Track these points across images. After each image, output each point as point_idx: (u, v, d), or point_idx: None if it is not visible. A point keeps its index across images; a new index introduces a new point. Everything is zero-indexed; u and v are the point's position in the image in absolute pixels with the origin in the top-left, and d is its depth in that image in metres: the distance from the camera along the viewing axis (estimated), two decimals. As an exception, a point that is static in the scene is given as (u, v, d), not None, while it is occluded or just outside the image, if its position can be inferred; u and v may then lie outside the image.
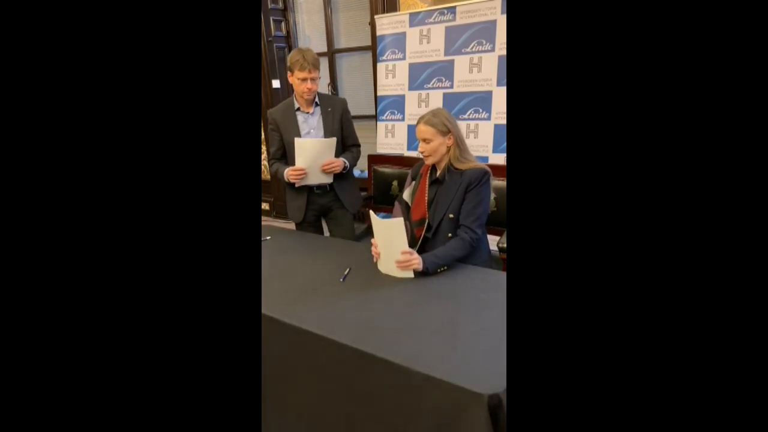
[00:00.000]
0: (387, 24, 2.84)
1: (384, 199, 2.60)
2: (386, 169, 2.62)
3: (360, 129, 2.20)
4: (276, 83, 3.80)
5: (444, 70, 2.65)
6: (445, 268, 1.50)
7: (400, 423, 1.02)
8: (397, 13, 2.88)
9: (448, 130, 1.56)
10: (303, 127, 1.98)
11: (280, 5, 3.72)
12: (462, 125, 2.57)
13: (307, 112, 1.98)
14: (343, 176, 2.02)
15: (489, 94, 2.51)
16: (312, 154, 1.89)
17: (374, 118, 3.15)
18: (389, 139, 2.96)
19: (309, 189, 2.02)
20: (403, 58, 2.81)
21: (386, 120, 2.96)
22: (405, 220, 1.69)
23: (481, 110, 2.55)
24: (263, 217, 3.97)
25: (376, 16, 2.92)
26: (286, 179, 1.95)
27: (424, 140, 1.57)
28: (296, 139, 1.88)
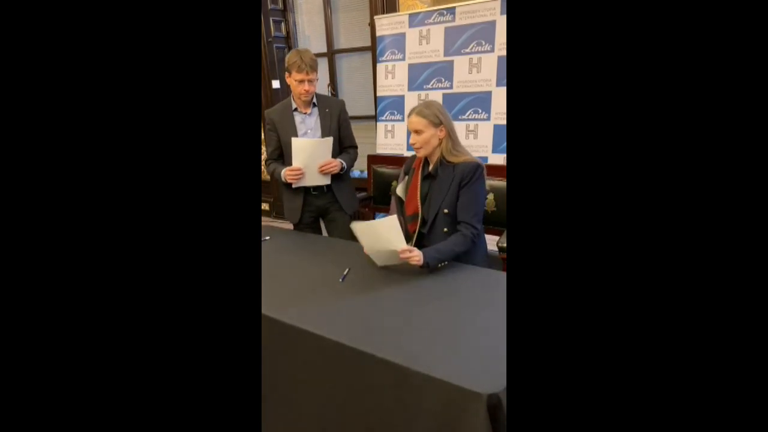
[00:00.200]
0: (387, 25, 2.84)
1: (383, 199, 2.60)
2: (386, 170, 2.62)
3: (360, 129, 2.21)
4: (276, 84, 3.80)
5: (443, 71, 2.66)
6: (446, 263, 1.50)
7: (400, 423, 1.02)
8: (397, 13, 2.88)
9: (440, 121, 1.54)
10: (300, 128, 1.98)
11: (280, 6, 3.73)
12: (461, 125, 2.57)
13: (305, 113, 1.98)
14: (340, 177, 2.02)
15: (488, 94, 2.51)
16: (309, 153, 1.89)
17: (374, 118, 3.15)
18: (389, 139, 2.96)
19: (306, 190, 2.02)
20: (403, 59, 2.81)
21: (386, 120, 2.96)
22: (399, 215, 1.69)
23: (480, 110, 2.55)
24: (263, 218, 3.97)
25: (375, 17, 2.93)
26: (283, 179, 1.94)
27: (416, 131, 1.56)
28: (293, 139, 1.88)
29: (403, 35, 2.78)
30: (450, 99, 2.63)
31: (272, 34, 3.72)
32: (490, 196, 2.07)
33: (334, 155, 1.98)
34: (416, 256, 1.42)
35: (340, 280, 1.45)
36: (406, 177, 1.72)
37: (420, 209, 1.62)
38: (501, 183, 2.09)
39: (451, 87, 2.64)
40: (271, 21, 3.69)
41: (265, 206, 4.13)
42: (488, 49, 2.47)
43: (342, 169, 1.99)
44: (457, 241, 1.51)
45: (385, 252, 1.46)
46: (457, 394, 0.92)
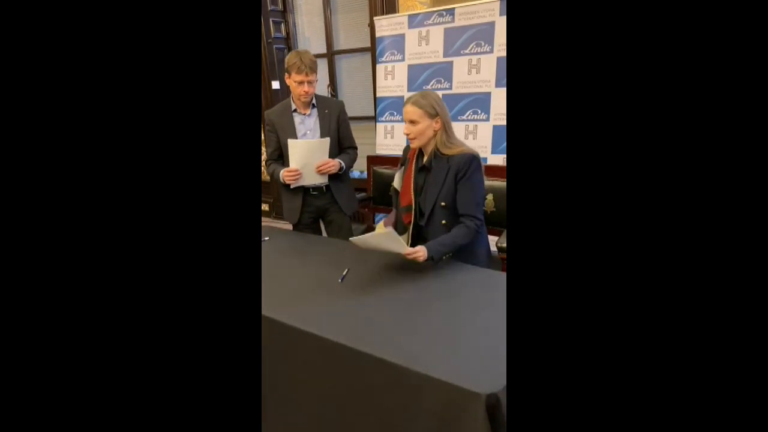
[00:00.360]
0: (386, 25, 2.84)
1: (383, 199, 2.60)
2: (385, 170, 2.62)
3: (359, 130, 2.21)
4: (275, 84, 3.80)
5: (443, 72, 2.66)
6: (450, 255, 1.51)
7: (399, 423, 1.02)
8: (396, 14, 2.89)
9: (436, 113, 1.52)
10: (300, 129, 1.99)
11: (280, 7, 3.73)
12: (461, 126, 2.57)
13: (304, 114, 1.99)
14: (339, 178, 2.03)
15: (488, 95, 2.52)
16: (305, 154, 1.89)
17: (373, 119, 3.15)
18: (388, 140, 2.96)
19: (305, 190, 2.02)
20: (402, 60, 2.81)
21: (385, 121, 2.96)
22: (394, 207, 1.69)
23: (479, 111, 2.56)
24: (262, 218, 3.97)
25: (375, 18, 2.93)
26: (281, 180, 1.95)
27: (411, 122, 1.54)
28: (289, 141, 1.89)
29: (402, 36, 2.78)
30: (449, 100, 2.64)
31: (272, 35, 3.73)
32: (490, 197, 2.08)
33: (334, 156, 1.99)
34: (420, 253, 1.43)
35: (340, 280, 1.46)
36: (402, 168, 1.71)
37: (413, 201, 1.61)
38: (501, 183, 2.09)
39: (450, 88, 2.64)
40: (270, 22, 3.70)
41: (264, 207, 4.13)
42: (487, 50, 2.48)
43: (341, 169, 1.99)
44: (461, 233, 1.51)
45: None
46: (456, 393, 0.92)
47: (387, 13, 2.97)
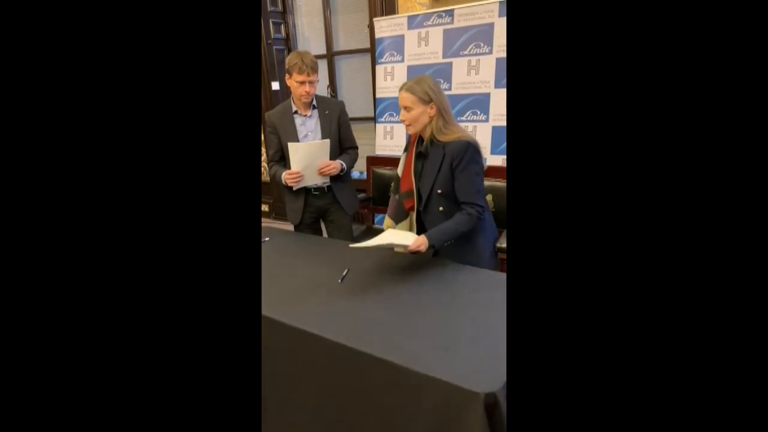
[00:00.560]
0: (386, 26, 2.85)
1: (383, 200, 2.61)
2: (385, 171, 2.63)
3: (359, 131, 2.22)
4: (275, 85, 3.81)
5: (442, 73, 2.67)
6: (452, 241, 1.51)
7: (398, 422, 1.03)
8: (396, 15, 2.89)
9: (429, 99, 1.50)
10: (301, 130, 1.99)
11: (280, 8, 3.74)
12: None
13: (305, 115, 1.99)
14: (340, 178, 2.03)
15: (487, 96, 2.52)
16: (306, 156, 1.90)
17: (373, 119, 3.16)
18: (388, 140, 2.97)
19: (306, 191, 2.02)
20: (402, 61, 2.82)
21: (385, 122, 2.97)
22: (391, 193, 1.70)
23: (479, 112, 2.56)
24: (262, 219, 3.98)
25: (374, 19, 2.94)
26: (283, 182, 1.96)
27: (405, 108, 1.53)
28: (289, 144, 1.89)
29: (402, 37, 2.79)
30: (449, 100, 2.64)
31: (272, 36, 3.73)
32: (489, 197, 2.08)
33: (335, 156, 1.99)
34: (421, 245, 1.44)
35: (339, 280, 1.46)
36: (405, 153, 1.71)
37: (414, 186, 1.61)
38: (501, 184, 2.10)
39: (449, 88, 2.65)
40: (270, 23, 3.70)
41: (264, 207, 4.13)
42: (487, 51, 2.49)
43: (342, 170, 1.99)
44: (462, 221, 1.50)
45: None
46: (454, 393, 0.92)
47: (386, 14, 2.98)
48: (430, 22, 2.66)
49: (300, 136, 1.98)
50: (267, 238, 1.93)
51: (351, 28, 3.52)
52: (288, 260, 1.69)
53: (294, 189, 1.98)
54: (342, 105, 2.07)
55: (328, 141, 1.92)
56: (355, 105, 3.55)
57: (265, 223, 2.93)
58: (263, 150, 3.78)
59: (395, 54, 2.84)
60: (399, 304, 1.29)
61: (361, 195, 2.60)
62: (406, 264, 1.56)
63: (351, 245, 1.55)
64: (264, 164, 3.79)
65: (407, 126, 1.56)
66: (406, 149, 1.72)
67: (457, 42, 2.58)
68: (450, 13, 2.58)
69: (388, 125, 2.96)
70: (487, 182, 2.02)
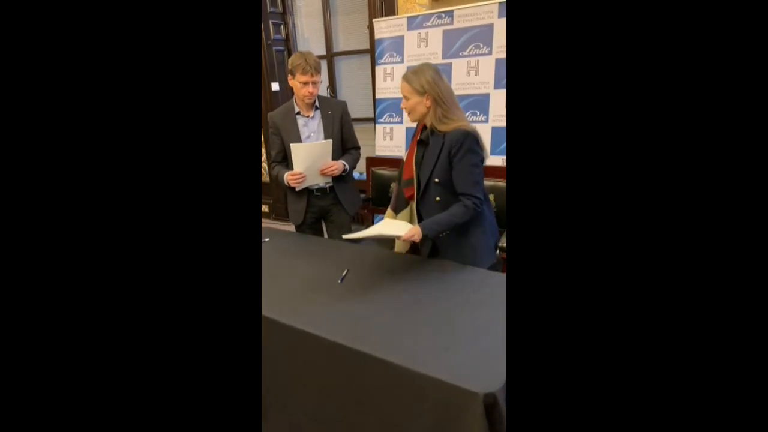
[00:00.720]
0: (385, 27, 2.85)
1: (382, 201, 2.61)
2: (384, 172, 2.63)
3: (358, 131, 2.22)
4: (275, 86, 3.81)
5: (442, 73, 2.67)
6: (447, 232, 1.50)
7: (398, 422, 1.03)
8: (396, 16, 2.89)
9: (424, 90, 1.50)
10: (303, 131, 1.99)
11: (280, 9, 3.74)
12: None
13: (307, 116, 1.99)
14: (343, 178, 2.03)
15: (486, 96, 2.53)
16: (308, 157, 1.90)
17: (373, 120, 3.16)
18: (387, 141, 2.97)
19: (309, 191, 2.02)
20: (402, 61, 2.82)
21: (385, 122, 2.97)
22: (397, 183, 1.70)
23: (478, 113, 2.56)
24: (262, 219, 3.98)
25: (374, 20, 2.94)
26: (286, 183, 1.95)
27: (404, 97, 1.54)
28: (292, 145, 1.89)
29: (401, 38, 2.79)
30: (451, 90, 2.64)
31: (272, 37, 3.73)
32: (491, 197, 2.08)
33: (337, 157, 1.99)
34: (414, 234, 1.44)
35: (339, 281, 1.46)
36: (412, 141, 1.71)
37: (415, 174, 1.61)
38: (502, 184, 2.10)
39: (449, 89, 2.65)
40: (270, 24, 3.70)
41: (264, 208, 4.14)
42: (486, 51, 2.49)
43: (345, 170, 1.99)
44: (457, 212, 1.49)
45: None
46: (454, 393, 0.93)
47: (386, 15, 2.98)
48: (429, 23, 2.67)
49: (302, 136, 1.98)
50: (267, 239, 1.93)
51: (350, 29, 3.52)
52: (288, 261, 1.70)
53: (297, 190, 1.98)
54: (344, 105, 2.07)
55: (330, 141, 1.92)
56: (355, 106, 3.55)
57: (265, 223, 2.94)
58: (263, 151, 3.79)
59: (395, 55, 2.84)
60: (398, 304, 1.29)
61: (361, 196, 2.60)
62: (406, 264, 1.57)
63: (344, 236, 1.58)
64: (264, 165, 3.80)
65: (408, 114, 1.57)
66: (413, 136, 1.72)
67: (456, 43, 2.58)
68: (449, 13, 2.58)
69: (388, 126, 2.96)
70: (488, 182, 2.02)
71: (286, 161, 2.04)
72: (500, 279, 1.41)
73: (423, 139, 1.58)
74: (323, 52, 3.63)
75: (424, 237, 1.46)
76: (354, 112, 3.20)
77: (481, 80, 2.53)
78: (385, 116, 2.96)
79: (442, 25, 2.62)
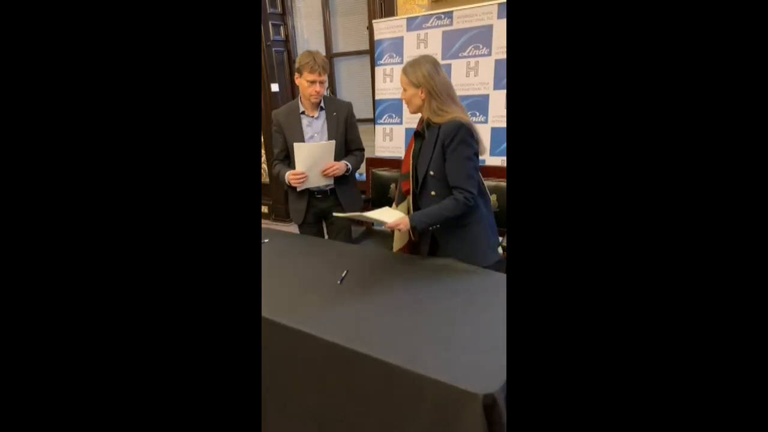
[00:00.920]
0: (385, 28, 2.85)
1: (382, 201, 2.61)
2: (384, 173, 2.64)
3: (358, 132, 2.22)
4: (275, 87, 3.81)
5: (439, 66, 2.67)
6: (437, 226, 1.51)
7: (397, 423, 1.03)
8: (395, 17, 2.90)
9: (419, 83, 1.51)
10: (307, 131, 1.98)
11: (279, 10, 3.74)
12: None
13: (312, 116, 1.98)
14: (344, 180, 2.02)
15: (486, 97, 2.53)
16: (310, 157, 1.89)
17: (372, 121, 3.16)
18: (387, 142, 2.97)
19: (310, 193, 2.02)
20: (401, 62, 2.82)
21: (384, 123, 2.97)
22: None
23: (478, 113, 2.57)
24: (262, 220, 3.98)
25: (374, 21, 2.94)
26: (287, 182, 1.95)
27: (403, 88, 1.56)
28: (295, 144, 1.88)
29: (401, 39, 2.80)
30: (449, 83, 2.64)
31: (271, 38, 3.74)
32: (494, 197, 2.08)
33: (340, 158, 1.98)
34: (402, 225, 1.46)
35: (338, 282, 1.46)
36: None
37: (412, 168, 1.61)
38: (505, 184, 2.10)
39: (449, 90, 2.65)
40: (270, 25, 3.71)
41: (264, 209, 4.14)
42: (485, 52, 2.49)
43: (347, 170, 1.98)
44: (447, 206, 1.48)
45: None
46: (453, 394, 0.93)
47: (385, 16, 2.99)
48: (429, 24, 2.67)
49: (306, 136, 1.97)
50: (266, 240, 1.93)
51: (350, 30, 3.53)
52: (287, 261, 1.70)
53: (298, 190, 1.97)
54: (350, 106, 2.06)
55: (333, 143, 1.91)
56: (355, 106, 3.53)
57: (265, 224, 2.94)
58: (263, 151, 3.79)
59: (394, 56, 2.84)
60: (398, 305, 1.29)
61: (361, 197, 2.60)
62: (405, 265, 1.57)
63: (335, 214, 1.63)
64: (264, 165, 3.80)
65: (406, 105, 1.58)
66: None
67: (456, 43, 2.59)
68: (449, 14, 2.58)
69: (388, 126, 2.96)
70: (490, 182, 2.02)
71: (288, 160, 2.03)
72: (500, 279, 1.42)
73: (420, 131, 1.59)
74: (323, 53, 3.63)
75: (413, 229, 1.47)
76: (354, 112, 3.20)
77: (480, 81, 2.53)
78: (384, 117, 2.96)
79: (441, 26, 2.63)
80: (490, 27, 2.45)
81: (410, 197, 1.63)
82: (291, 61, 3.85)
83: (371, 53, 3.14)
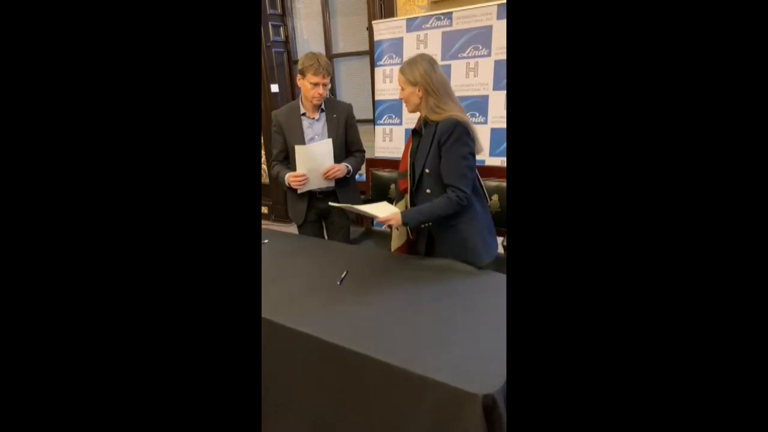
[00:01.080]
0: (384, 29, 2.86)
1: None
2: (384, 173, 2.63)
3: (358, 133, 2.22)
4: (275, 88, 3.81)
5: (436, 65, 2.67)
6: (429, 224, 1.52)
7: (396, 423, 1.03)
8: (395, 18, 2.90)
9: (416, 82, 1.51)
10: (308, 133, 1.98)
11: (279, 11, 3.75)
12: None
13: (313, 118, 1.98)
14: (345, 182, 2.02)
15: (485, 98, 2.53)
16: (312, 158, 1.89)
17: (372, 122, 3.17)
18: (387, 143, 2.98)
19: (311, 194, 2.01)
20: (401, 63, 2.81)
21: (384, 124, 2.97)
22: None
23: (477, 114, 2.57)
24: (262, 221, 3.97)
25: (373, 22, 2.95)
26: (287, 184, 1.94)
27: (400, 87, 1.57)
28: (296, 147, 1.88)
29: (400, 40, 2.80)
30: (446, 81, 2.64)
31: (271, 39, 3.74)
32: (495, 197, 2.07)
33: (340, 160, 1.98)
34: (393, 221, 1.48)
35: (338, 282, 1.46)
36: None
37: (409, 165, 1.61)
38: (501, 184, 2.09)
39: (448, 91, 2.65)
40: (270, 26, 3.71)
41: (264, 209, 4.14)
42: (485, 53, 2.49)
43: (348, 172, 1.98)
44: (440, 204, 1.49)
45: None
46: (453, 394, 0.93)
47: (385, 17, 2.99)
48: (428, 25, 2.67)
49: (306, 138, 1.97)
50: (266, 240, 1.93)
51: (350, 31, 3.53)
52: (287, 262, 1.70)
53: (299, 192, 1.96)
54: (350, 108, 2.06)
55: (330, 140, 1.91)
56: (355, 107, 3.54)
57: (265, 225, 2.94)
58: (263, 152, 3.79)
59: (394, 56, 2.85)
60: (397, 305, 1.29)
61: (361, 197, 2.60)
62: (405, 266, 1.57)
63: (331, 203, 1.67)
64: (264, 166, 3.80)
65: (405, 103, 1.60)
66: None
67: (455, 44, 2.59)
68: (448, 15, 2.59)
69: (387, 127, 2.96)
70: (492, 182, 2.02)
71: (287, 161, 2.03)
72: (499, 280, 1.42)
73: (417, 129, 1.59)
74: (323, 54, 3.63)
75: (404, 224, 1.49)
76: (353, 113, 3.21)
77: (480, 82, 2.54)
78: (384, 118, 2.96)
79: (441, 26, 2.63)
80: (489, 28, 2.46)
81: (408, 195, 1.64)
82: (291, 61, 3.85)
83: (371, 54, 3.14)
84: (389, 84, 2.90)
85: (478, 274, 1.48)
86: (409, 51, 2.77)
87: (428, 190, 1.55)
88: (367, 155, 2.89)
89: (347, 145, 2.04)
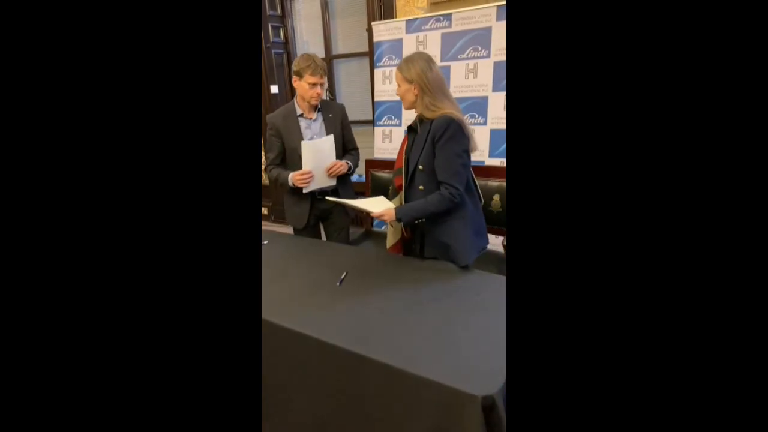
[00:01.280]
0: (384, 30, 2.86)
1: (381, 203, 2.61)
2: (383, 174, 2.63)
3: (357, 134, 2.23)
4: (274, 89, 3.82)
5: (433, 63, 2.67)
6: (423, 220, 1.53)
7: (396, 424, 1.03)
8: (394, 19, 2.90)
9: (411, 79, 1.53)
10: (306, 133, 1.99)
11: (279, 12, 3.75)
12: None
13: (310, 119, 1.99)
14: (344, 181, 2.04)
15: (485, 99, 2.53)
16: (317, 154, 1.90)
17: (371, 123, 3.17)
18: (386, 144, 2.98)
19: (313, 195, 2.01)
20: (400, 64, 2.83)
21: (383, 125, 2.98)
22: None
23: (477, 115, 2.57)
24: (262, 222, 3.97)
25: (373, 23, 2.95)
26: (291, 185, 1.94)
27: (397, 84, 1.58)
28: (303, 142, 1.89)
29: (400, 41, 2.80)
30: (443, 79, 2.64)
31: (271, 40, 3.74)
32: (496, 197, 2.07)
33: (340, 158, 2.00)
34: (386, 216, 1.50)
35: (338, 283, 1.47)
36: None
37: (404, 162, 1.62)
38: (502, 184, 2.09)
39: (448, 92, 2.65)
40: (269, 27, 3.71)
41: (264, 210, 4.14)
42: (484, 54, 2.50)
43: (349, 169, 2.00)
44: (433, 200, 1.50)
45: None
46: (452, 395, 0.93)
47: (385, 18, 2.99)
48: (428, 26, 2.68)
49: (305, 138, 1.98)
50: (266, 241, 1.93)
51: (349, 32, 3.53)
52: (287, 263, 1.70)
53: (304, 192, 1.95)
54: (343, 108, 2.09)
55: (332, 136, 1.93)
56: (354, 108, 3.55)
57: (264, 226, 2.94)
58: (263, 153, 3.79)
59: (393, 57, 2.85)
60: (397, 306, 1.29)
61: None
62: (405, 267, 1.57)
63: (328, 198, 1.69)
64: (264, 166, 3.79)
65: (401, 100, 1.61)
66: None
67: (455, 46, 2.59)
68: (448, 17, 2.59)
69: (387, 128, 2.97)
70: (494, 182, 2.02)
71: (284, 164, 2.04)
72: (499, 281, 1.42)
73: (413, 126, 1.60)
74: (322, 55, 3.64)
75: (398, 220, 1.50)
76: (353, 114, 3.21)
77: (479, 83, 2.54)
78: (384, 119, 2.97)
79: (440, 28, 2.63)
80: (488, 29, 2.46)
81: (402, 192, 1.65)
82: (290, 63, 3.86)
83: (370, 55, 3.15)
84: (389, 85, 2.90)
85: (477, 275, 1.48)
86: (409, 52, 2.76)
87: (421, 187, 1.56)
88: (367, 156, 2.90)
89: (343, 144, 2.07)
